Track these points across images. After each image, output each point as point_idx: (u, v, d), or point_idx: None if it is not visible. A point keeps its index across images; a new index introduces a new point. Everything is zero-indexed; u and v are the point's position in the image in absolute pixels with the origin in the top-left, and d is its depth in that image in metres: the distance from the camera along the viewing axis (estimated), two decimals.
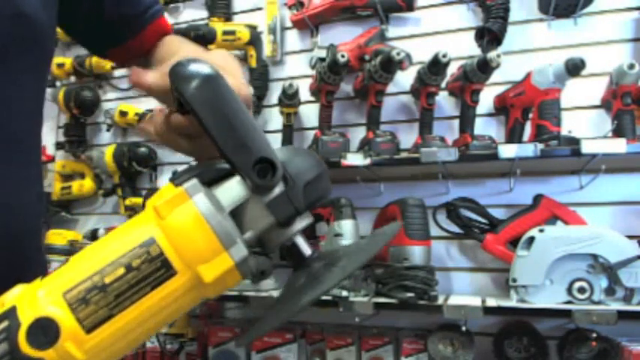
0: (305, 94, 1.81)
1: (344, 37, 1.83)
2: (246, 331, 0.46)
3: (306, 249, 0.45)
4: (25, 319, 0.38)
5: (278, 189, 0.43)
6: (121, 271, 0.39)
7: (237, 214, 0.42)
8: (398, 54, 1.49)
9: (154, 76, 0.52)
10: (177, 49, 0.74)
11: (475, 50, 1.65)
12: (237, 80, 0.53)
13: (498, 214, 1.60)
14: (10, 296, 0.40)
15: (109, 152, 2.07)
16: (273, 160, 0.42)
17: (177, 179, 0.42)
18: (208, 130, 0.42)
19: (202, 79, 0.43)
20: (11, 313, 0.39)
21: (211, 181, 0.43)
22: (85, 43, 0.79)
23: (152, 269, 0.39)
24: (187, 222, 0.40)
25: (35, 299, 0.39)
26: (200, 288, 0.41)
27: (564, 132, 1.47)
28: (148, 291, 0.39)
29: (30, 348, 0.37)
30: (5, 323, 0.38)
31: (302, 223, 0.44)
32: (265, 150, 0.42)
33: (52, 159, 2.28)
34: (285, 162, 0.43)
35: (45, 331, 0.38)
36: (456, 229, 1.61)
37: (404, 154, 1.62)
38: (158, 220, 0.41)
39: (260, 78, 1.91)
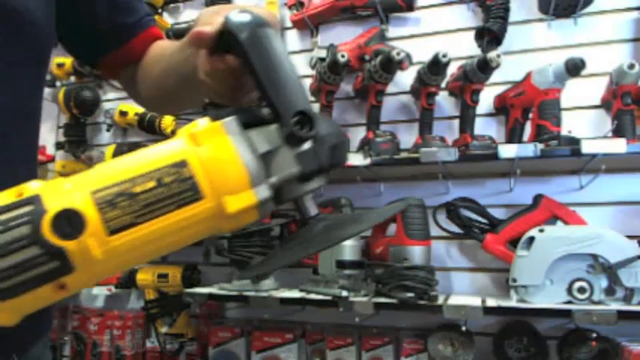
0: None
1: (344, 37, 1.83)
2: (247, 269, 0.49)
3: (313, 209, 0.48)
4: (52, 207, 0.38)
5: (307, 145, 0.45)
6: (152, 184, 0.41)
7: (266, 158, 0.44)
8: (398, 54, 1.49)
9: (211, 28, 0.53)
10: (165, 47, 0.75)
11: (475, 50, 1.65)
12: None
13: (498, 214, 1.60)
14: (31, 187, 0.40)
15: (109, 152, 2.07)
16: (312, 116, 0.45)
17: (214, 115, 0.44)
18: (258, 74, 0.46)
19: (258, 27, 0.48)
20: (36, 199, 0.39)
21: (247, 124, 0.45)
22: (77, 52, 0.80)
23: (181, 189, 0.41)
24: (222, 153, 0.42)
25: (63, 191, 0.40)
26: (219, 218, 0.42)
27: (564, 132, 1.46)
28: (172, 209, 0.41)
29: (53, 235, 0.38)
30: (29, 208, 0.38)
31: (317, 183, 0.47)
32: (307, 105, 0.46)
33: (52, 159, 2.28)
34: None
35: (71, 223, 0.38)
36: (456, 229, 1.61)
37: (404, 154, 1.62)
38: (193, 146, 0.42)
39: None
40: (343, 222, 0.48)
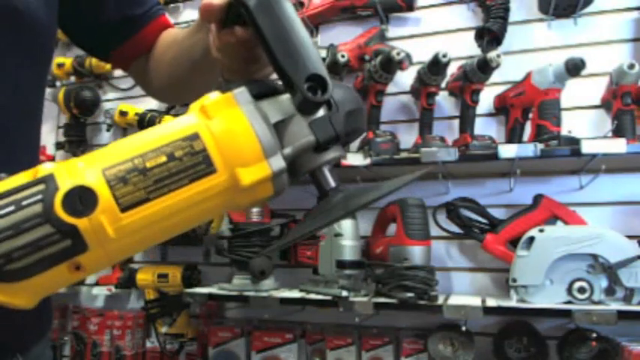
0: None
1: (344, 37, 1.83)
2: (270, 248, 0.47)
3: (330, 180, 0.46)
4: (64, 185, 0.38)
5: (322, 111, 0.44)
6: (163, 158, 0.40)
7: (279, 129, 0.43)
8: (398, 54, 1.49)
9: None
10: (176, 33, 0.75)
11: (475, 50, 1.65)
12: None
13: (498, 214, 1.60)
14: (46, 166, 0.40)
15: None
16: (325, 78, 0.43)
17: (225, 87, 0.43)
18: (267, 40, 0.45)
19: None
20: (49, 179, 0.39)
21: (258, 94, 0.44)
22: (88, 47, 0.79)
23: (193, 162, 0.40)
24: (234, 125, 0.41)
25: (75, 169, 0.39)
26: (234, 192, 0.41)
27: (564, 132, 1.46)
28: (185, 183, 0.40)
29: (65, 213, 0.38)
30: (41, 187, 0.38)
31: (335, 153, 0.45)
32: (319, 67, 0.43)
33: (52, 159, 2.28)
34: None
35: (82, 200, 0.38)
36: (456, 229, 1.61)
37: (404, 154, 1.62)
38: (204, 119, 0.42)
39: None
40: (362, 191, 0.45)
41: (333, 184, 0.46)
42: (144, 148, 0.41)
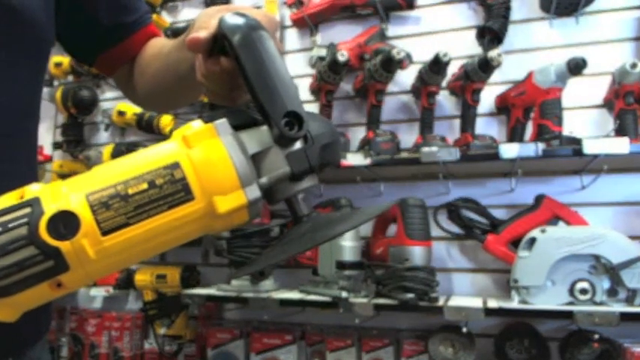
0: (305, 93, 1.80)
1: (344, 36, 1.82)
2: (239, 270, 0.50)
3: (303, 207, 0.49)
4: (49, 209, 0.40)
5: (298, 144, 0.47)
6: (144, 185, 0.42)
7: (257, 159, 0.46)
8: (398, 53, 1.48)
9: (206, 32, 0.53)
10: (163, 44, 0.75)
11: (476, 49, 1.64)
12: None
13: (499, 214, 1.59)
14: (32, 189, 0.43)
15: (106, 152, 2.06)
16: (302, 116, 0.46)
17: (207, 117, 0.46)
18: (248, 76, 0.47)
19: (250, 30, 0.49)
20: (35, 202, 0.41)
21: (239, 125, 0.47)
22: (75, 49, 0.79)
23: (173, 190, 0.43)
24: (213, 155, 0.44)
25: (60, 194, 0.42)
26: (210, 218, 0.44)
27: (566, 132, 1.46)
28: (164, 209, 0.42)
29: (49, 236, 0.40)
30: (27, 210, 0.41)
31: (308, 182, 0.48)
32: (296, 105, 0.46)
33: (49, 159, 2.27)
34: (308, 123, 0.47)
35: (66, 224, 0.40)
36: (456, 229, 1.60)
37: (404, 154, 1.61)
38: (185, 148, 0.44)
39: None
40: (331, 221, 0.48)
41: (305, 211, 0.49)
42: (127, 174, 0.43)
